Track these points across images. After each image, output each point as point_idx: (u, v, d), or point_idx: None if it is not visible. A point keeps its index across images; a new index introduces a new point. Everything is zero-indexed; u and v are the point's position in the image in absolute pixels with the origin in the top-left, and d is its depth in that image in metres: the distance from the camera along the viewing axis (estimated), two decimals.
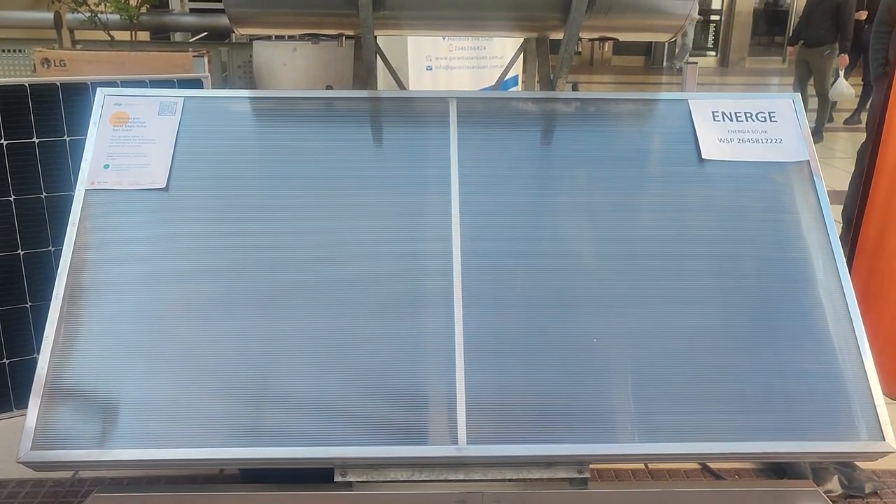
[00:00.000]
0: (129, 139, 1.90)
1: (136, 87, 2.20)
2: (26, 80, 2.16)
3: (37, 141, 2.16)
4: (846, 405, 1.67)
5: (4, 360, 2.21)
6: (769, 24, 13.83)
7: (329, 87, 2.04)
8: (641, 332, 1.72)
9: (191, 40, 8.66)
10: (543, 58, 2.19)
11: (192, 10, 10.14)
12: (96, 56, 5.61)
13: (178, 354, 1.66)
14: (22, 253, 2.19)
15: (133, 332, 1.69)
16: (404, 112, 1.99)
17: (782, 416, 1.66)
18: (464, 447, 1.59)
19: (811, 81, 7.12)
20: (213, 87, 2.35)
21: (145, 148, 1.89)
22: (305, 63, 5.60)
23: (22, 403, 2.26)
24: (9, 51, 6.74)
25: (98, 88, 1.96)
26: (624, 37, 2.08)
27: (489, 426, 1.61)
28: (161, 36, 8.70)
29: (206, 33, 8.22)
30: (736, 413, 1.66)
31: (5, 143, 2.13)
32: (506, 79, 4.80)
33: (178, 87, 2.30)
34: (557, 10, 1.93)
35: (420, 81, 4.70)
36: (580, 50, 2.26)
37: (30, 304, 2.22)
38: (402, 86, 2.36)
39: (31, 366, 2.25)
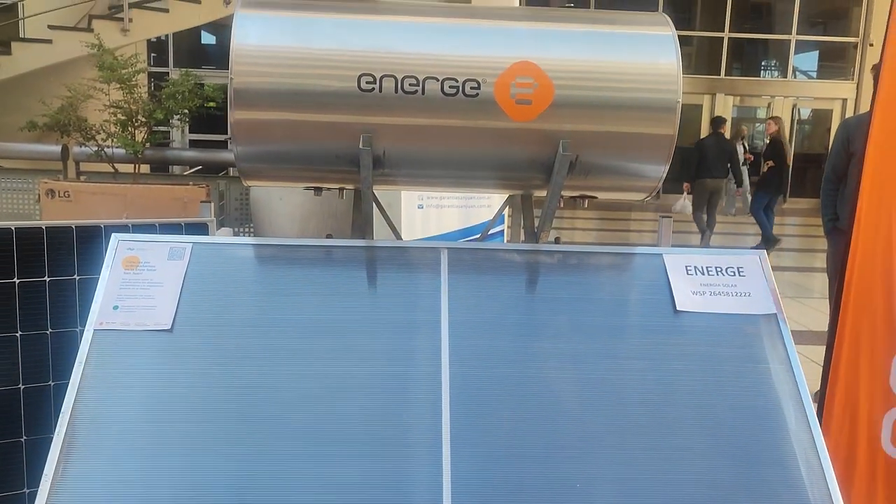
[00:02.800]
0: (139, 282, 2.02)
1: (146, 230, 2.34)
2: (43, 223, 2.30)
3: (48, 280, 2.28)
4: None
5: None
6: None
7: (329, 236, 2.19)
8: (622, 477, 1.79)
9: (187, 172, 9.02)
10: (528, 212, 2.36)
11: (192, 144, 10.56)
12: (100, 188, 5.85)
13: (175, 494, 1.70)
14: (22, 387, 2.25)
15: (129, 472, 1.73)
16: (399, 260, 2.12)
17: None
18: None
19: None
20: (212, 216, 2.48)
21: (153, 290, 2.01)
22: (301, 197, 5.85)
23: None
24: (12, 180, 6.99)
25: (112, 234, 2.10)
26: (602, 195, 2.26)
27: None
28: (160, 167, 9.02)
29: (201, 167, 8.59)
30: None
31: (18, 281, 2.24)
32: (490, 219, 5.00)
33: (185, 230, 2.44)
34: (541, 172, 2.12)
35: (411, 219, 4.91)
36: (562, 205, 2.45)
37: (25, 437, 2.26)
38: (396, 233, 2.52)
39: (20, 501, 2.26)
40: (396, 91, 1.98)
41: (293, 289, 2.04)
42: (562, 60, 2.01)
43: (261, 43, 1.98)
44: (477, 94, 1.99)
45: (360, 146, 2.00)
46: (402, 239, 2.60)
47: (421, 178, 2.17)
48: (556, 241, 2.26)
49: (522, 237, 2.53)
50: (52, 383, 2.29)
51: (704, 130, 16.42)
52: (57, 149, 6.81)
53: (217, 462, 1.75)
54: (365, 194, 2.13)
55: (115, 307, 1.97)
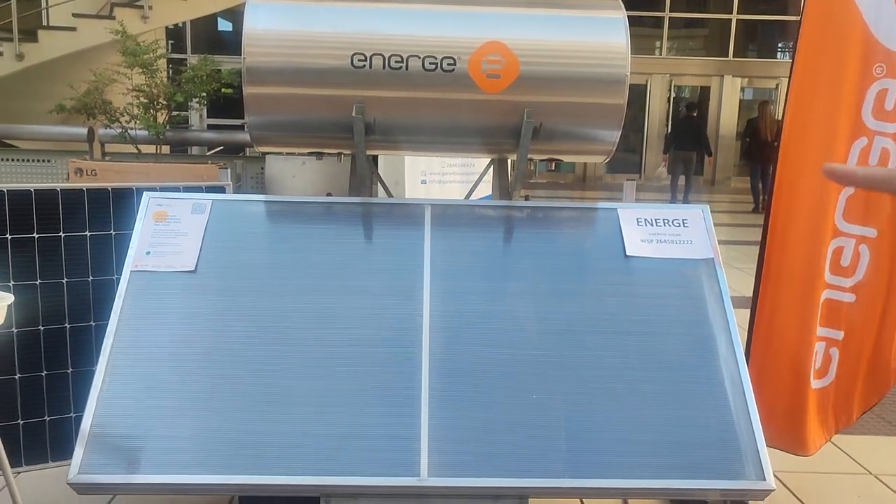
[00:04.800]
0: (167, 232, 2.38)
1: (172, 191, 2.70)
2: (84, 185, 2.66)
3: (89, 234, 2.64)
4: (737, 452, 2.06)
5: (45, 418, 2.60)
6: None
7: (329, 195, 2.54)
8: (574, 391, 2.13)
9: (207, 153, 9.40)
10: (502, 174, 2.70)
11: (210, 127, 10.94)
12: (124, 167, 6.23)
13: (198, 400, 2.07)
14: (68, 326, 2.63)
15: (163, 382, 2.10)
16: (389, 214, 2.47)
17: (689, 460, 2.04)
18: (425, 479, 1.97)
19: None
20: (229, 180, 2.85)
21: (179, 239, 2.37)
22: (313, 175, 6.21)
23: (57, 456, 2.63)
24: (40, 161, 7.40)
25: (144, 192, 2.46)
26: (567, 158, 2.59)
27: (447, 461, 1.99)
28: (180, 149, 9.37)
29: (221, 147, 8.97)
30: (651, 456, 2.04)
31: (63, 235, 2.61)
32: (488, 194, 5.33)
33: (205, 192, 2.80)
34: (511, 138, 2.45)
35: (415, 193, 5.25)
36: (534, 168, 2.78)
37: (71, 370, 2.63)
38: (388, 192, 2.86)
39: (68, 423, 2.64)
40: (384, 67, 2.32)
41: (298, 238, 2.40)
42: (526, 40, 2.34)
43: (268, 27, 2.32)
44: (453, 70, 2.32)
45: (353, 115, 2.34)
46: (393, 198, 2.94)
47: (407, 143, 2.51)
48: (526, 199, 2.59)
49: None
50: (94, 323, 2.67)
51: (713, 112, 16.61)
52: (83, 131, 7.17)
53: (234, 375, 2.12)
54: (359, 158, 2.47)
55: (148, 252, 2.34)
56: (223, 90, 6.84)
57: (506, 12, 2.37)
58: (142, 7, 8.33)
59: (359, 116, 2.34)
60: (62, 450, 2.64)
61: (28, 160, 7.29)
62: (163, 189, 2.72)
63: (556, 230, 2.45)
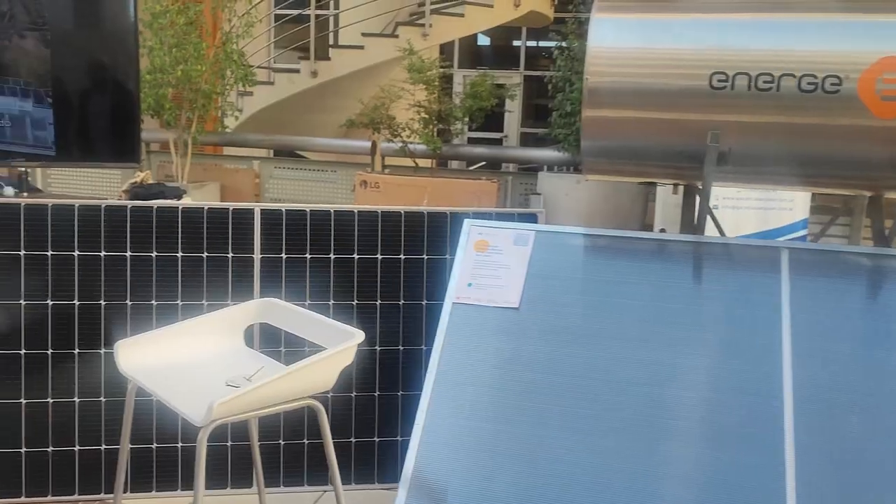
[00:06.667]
0: (489, 263, 2.24)
1: (485, 217, 2.58)
2: (402, 207, 2.62)
3: (403, 258, 2.59)
4: None
5: (375, 439, 2.59)
6: None
7: (662, 231, 2.26)
8: None
9: (471, 168, 9.57)
10: (878, 214, 2.23)
11: (476, 141, 11.17)
12: (405, 181, 6.44)
13: (515, 457, 1.88)
14: (378, 349, 2.60)
15: (482, 430, 1.94)
16: (734, 257, 2.13)
17: None
18: None
19: None
20: (497, 205, 2.66)
21: (501, 272, 2.21)
22: (587, 194, 5.98)
23: (384, 479, 2.60)
24: (325, 171, 7.92)
25: (465, 220, 2.34)
26: None
27: None
28: (442, 162, 9.59)
29: (483, 162, 9.07)
30: None
31: (380, 258, 2.58)
32: (793, 221, 4.72)
33: (517, 219, 2.64)
34: None
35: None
36: None
37: (400, 392, 2.59)
38: (721, 232, 2.51)
39: (394, 446, 2.61)
40: (749, 88, 1.98)
41: (629, 279, 2.13)
42: None
43: (614, 45, 2.09)
44: (838, 91, 1.93)
45: (708, 143, 2.03)
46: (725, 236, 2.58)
47: (762, 175, 2.15)
48: None
49: (863, 242, 2.39)
50: (401, 348, 2.61)
51: None
52: (364, 144, 7.55)
53: (554, 432, 1.90)
54: (705, 190, 2.16)
55: (469, 284, 2.21)
56: (489, 105, 6.84)
57: None
58: (423, 25, 8.65)
59: (714, 144, 2.03)
60: (389, 472, 2.61)
61: (315, 170, 7.84)
62: (476, 215, 2.61)
63: None
